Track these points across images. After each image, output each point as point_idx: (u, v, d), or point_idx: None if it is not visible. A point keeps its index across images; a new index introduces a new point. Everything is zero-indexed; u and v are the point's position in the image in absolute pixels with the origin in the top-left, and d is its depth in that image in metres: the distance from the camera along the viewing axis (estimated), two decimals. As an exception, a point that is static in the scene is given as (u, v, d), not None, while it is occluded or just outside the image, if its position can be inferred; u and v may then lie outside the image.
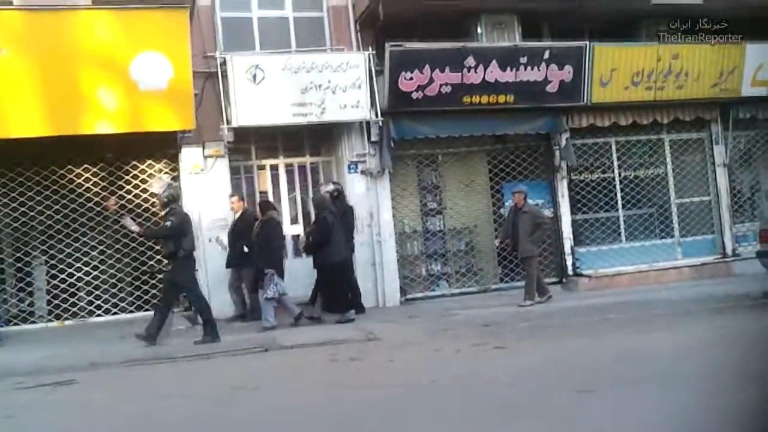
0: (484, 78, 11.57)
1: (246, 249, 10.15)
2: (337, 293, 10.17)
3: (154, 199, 10.87)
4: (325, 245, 9.89)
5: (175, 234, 8.75)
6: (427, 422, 5.09)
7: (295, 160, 11.96)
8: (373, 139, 11.51)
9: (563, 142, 12.51)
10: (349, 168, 11.57)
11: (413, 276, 12.12)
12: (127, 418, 5.88)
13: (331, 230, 9.90)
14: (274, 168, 11.88)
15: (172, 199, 9.06)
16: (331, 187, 10.75)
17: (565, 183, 12.76)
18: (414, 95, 11.34)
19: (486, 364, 7.15)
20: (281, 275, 9.68)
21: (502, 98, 11.79)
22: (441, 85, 11.40)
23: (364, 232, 11.49)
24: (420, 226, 12.32)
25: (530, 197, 11.31)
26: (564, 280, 12.49)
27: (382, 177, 11.68)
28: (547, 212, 12.15)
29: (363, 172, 11.62)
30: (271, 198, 11.50)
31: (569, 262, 12.57)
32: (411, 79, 11.26)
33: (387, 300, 11.44)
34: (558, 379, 6.13)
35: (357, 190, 11.55)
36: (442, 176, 12.44)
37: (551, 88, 12.01)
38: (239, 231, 10.24)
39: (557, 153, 12.63)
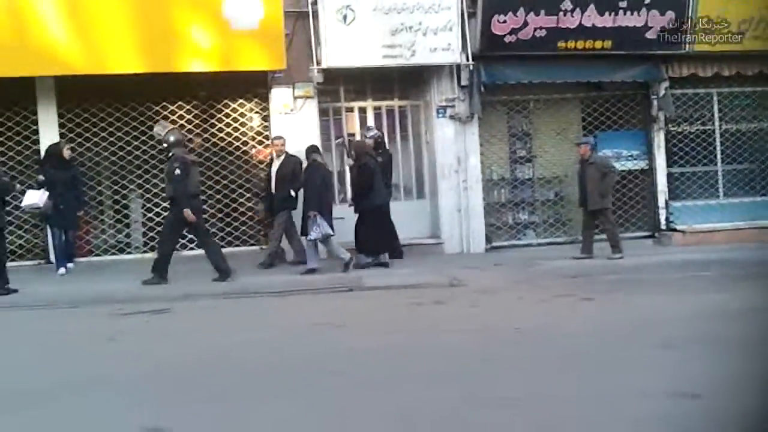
0: (580, 22, 11.12)
1: (292, 193, 10.14)
2: (372, 236, 10.04)
3: (245, 138, 11.11)
4: (369, 191, 9.81)
5: (183, 179, 8.91)
6: (504, 370, 5.04)
7: (384, 104, 11.86)
8: (463, 83, 11.25)
9: (662, 92, 11.96)
10: (437, 112, 11.40)
11: (499, 224, 11.96)
12: (215, 348, 6.06)
13: (374, 176, 9.81)
14: (363, 111, 11.82)
15: (175, 144, 9.13)
16: (373, 132, 10.61)
17: (662, 134, 12.25)
18: (507, 39, 11.00)
19: (569, 316, 7.03)
20: (327, 219, 9.56)
21: (598, 44, 11.31)
22: (535, 29, 11.01)
23: (451, 177, 11.36)
24: (508, 174, 12.09)
25: (625, 148, 10.93)
26: (656, 234, 12.09)
27: (470, 122, 11.46)
28: (617, 164, 11.49)
29: (451, 117, 11.42)
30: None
31: (662, 217, 12.13)
32: (504, 22, 10.93)
33: (472, 246, 11.35)
34: (639, 334, 5.97)
35: (445, 135, 11.39)
36: (533, 123, 12.13)
37: (651, 34, 11.41)
38: (282, 175, 10.10)
39: (655, 103, 12.08)
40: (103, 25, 9.79)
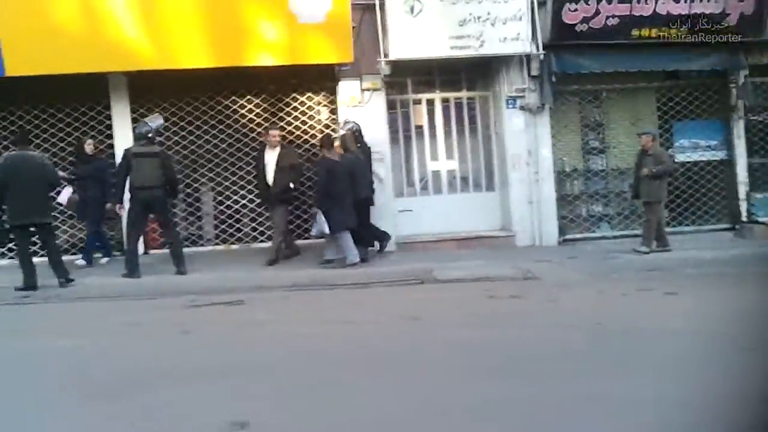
0: (655, 10, 10.77)
1: (292, 185, 10.04)
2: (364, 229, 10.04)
3: (314, 131, 11.09)
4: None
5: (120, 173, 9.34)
6: (589, 366, 4.83)
7: (452, 95, 11.69)
8: (533, 73, 11.02)
9: (741, 80, 11.50)
10: (507, 103, 11.19)
11: (572, 216, 11.67)
12: (293, 339, 6.03)
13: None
14: (430, 103, 11.67)
15: (136, 137, 9.52)
16: (350, 125, 10.32)
17: (741, 124, 11.78)
18: (578, 28, 10.73)
19: (654, 310, 6.76)
20: (343, 217, 9.43)
21: (674, 32, 10.91)
22: (608, 17, 10.71)
23: (522, 169, 11.15)
24: (581, 165, 11.79)
25: (703, 138, 10.52)
26: (737, 227, 11.62)
27: (541, 113, 11.22)
28: (674, 156, 11.25)
29: (522, 108, 11.19)
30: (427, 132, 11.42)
31: (743, 208, 11.68)
32: (575, 10, 10.67)
33: (544, 239, 11.11)
34: (730, 332, 5.66)
35: (515, 126, 11.18)
36: (606, 113, 11.80)
37: (729, 21, 10.97)
38: (281, 167, 9.95)
39: (734, 92, 11.65)
40: (174, 21, 9.89)
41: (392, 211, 10.93)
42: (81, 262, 9.97)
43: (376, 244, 10.33)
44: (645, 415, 3.86)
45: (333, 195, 9.38)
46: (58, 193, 9.79)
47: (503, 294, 7.58)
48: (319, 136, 10.90)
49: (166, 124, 10.53)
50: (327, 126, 11.23)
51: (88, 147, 10.10)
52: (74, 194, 9.83)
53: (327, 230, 9.34)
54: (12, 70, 9.57)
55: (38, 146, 10.38)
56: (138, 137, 9.49)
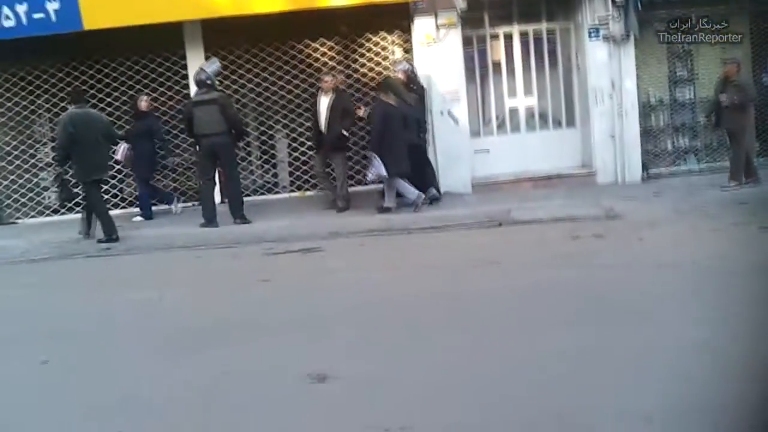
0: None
1: (345, 132, 9.79)
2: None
3: (387, 73, 10.86)
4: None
5: None
6: (692, 309, 4.61)
7: (531, 27, 11.19)
8: (617, 1, 10.41)
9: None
10: (589, 34, 10.63)
11: (657, 150, 11.13)
12: (368, 286, 6.02)
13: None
14: (508, 37, 11.23)
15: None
16: (402, 65, 9.95)
17: None
18: (665, -52, 10.09)
19: (751, 246, 6.41)
20: (396, 161, 9.10)
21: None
22: (696, -65, 10.01)
23: (605, 102, 10.65)
24: (667, 97, 11.18)
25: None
26: None
27: (626, 43, 10.60)
28: None
29: (605, 38, 10.61)
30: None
31: None
32: (662, -71, 10.00)
33: (627, 176, 10.62)
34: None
35: (598, 58, 10.63)
36: (695, 41, 11.10)
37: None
38: (337, 113, 9.67)
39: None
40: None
41: (468, 152, 10.67)
42: (138, 218, 10.17)
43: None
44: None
45: (388, 140, 9.18)
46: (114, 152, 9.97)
47: (586, 234, 7.35)
48: (394, 76, 10.66)
49: (240, 71, 10.51)
50: (410, 66, 10.89)
51: (143, 103, 10.19)
52: (130, 150, 9.97)
53: (384, 173, 9.15)
54: (90, 24, 9.64)
55: (117, 99, 10.57)
56: (198, 84, 9.44)
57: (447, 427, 3.36)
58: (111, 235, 8.81)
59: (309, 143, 10.65)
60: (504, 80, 11.19)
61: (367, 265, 7.01)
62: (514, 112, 11.21)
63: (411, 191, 9.31)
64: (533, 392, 3.60)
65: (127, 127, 10.34)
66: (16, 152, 10.72)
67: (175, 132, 10.75)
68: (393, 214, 9.23)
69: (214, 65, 9.62)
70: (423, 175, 9.79)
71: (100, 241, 8.81)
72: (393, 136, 9.14)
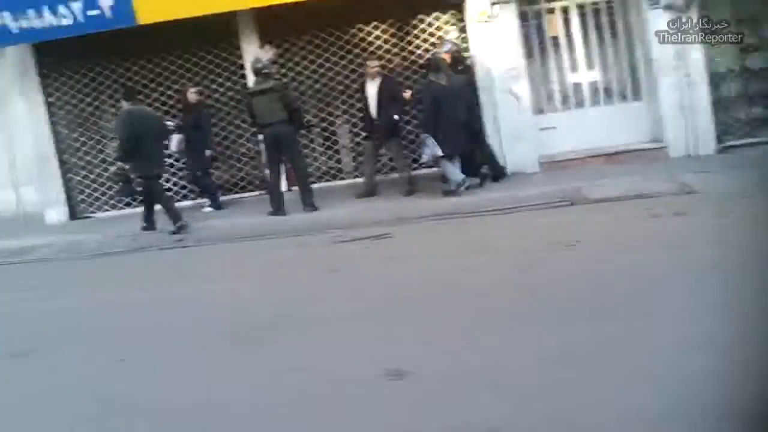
0: None
1: (396, 117, 9.60)
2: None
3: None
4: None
5: None
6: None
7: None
8: (677, -35, 10.04)
9: None
10: (650, 2, 10.27)
11: (731, 121, 10.68)
12: (441, 274, 5.90)
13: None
14: (565, 11, 10.90)
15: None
16: (448, 46, 9.70)
17: None
18: None
19: None
20: (449, 141, 8.95)
21: None
22: None
23: (671, 73, 10.26)
24: (738, 65, 10.74)
25: None
26: None
27: (689, 10, 10.22)
28: None
29: (667, 8, 10.25)
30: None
31: None
32: None
33: (700, 148, 10.19)
34: None
35: (660, 27, 10.26)
36: (765, 5, 10.61)
37: None
38: (386, 98, 9.56)
39: None
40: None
41: (533, 130, 10.43)
42: (208, 209, 10.31)
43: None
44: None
45: (440, 120, 9.01)
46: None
47: (666, 212, 7.07)
48: (448, 57, 10.45)
49: (296, 59, 10.44)
50: (455, 45, 10.72)
51: (192, 96, 10.21)
52: (183, 142, 10.11)
53: (440, 152, 8.98)
54: (144, 19, 9.70)
55: (177, 91, 10.61)
56: (256, 73, 9.44)
57: (534, 426, 3.20)
58: (180, 224, 8.94)
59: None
60: (564, 55, 10.88)
61: (438, 251, 6.88)
62: (577, 87, 10.90)
63: (455, 174, 9.17)
64: (647, 387, 3.41)
65: (177, 120, 10.40)
66: (85, 148, 10.95)
67: (237, 122, 10.80)
68: (459, 196, 9.08)
69: (268, 54, 9.64)
70: (472, 156, 9.67)
71: (172, 232, 8.95)
72: (444, 116, 8.98)
